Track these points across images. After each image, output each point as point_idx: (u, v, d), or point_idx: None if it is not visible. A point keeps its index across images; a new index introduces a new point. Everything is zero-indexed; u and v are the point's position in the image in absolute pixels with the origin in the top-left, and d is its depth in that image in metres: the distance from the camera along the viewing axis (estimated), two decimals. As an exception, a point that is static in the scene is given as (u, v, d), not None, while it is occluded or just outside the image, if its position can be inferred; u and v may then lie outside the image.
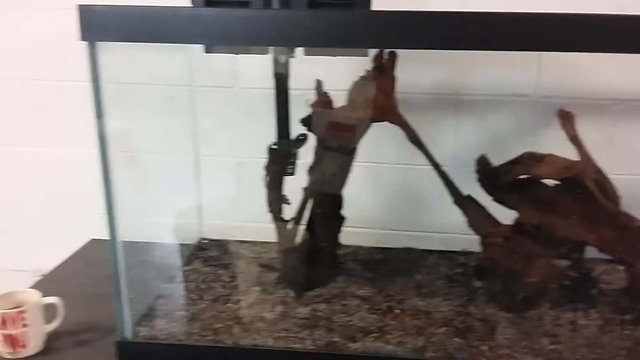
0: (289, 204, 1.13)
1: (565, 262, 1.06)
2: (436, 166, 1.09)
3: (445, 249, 1.33)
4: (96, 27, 0.79)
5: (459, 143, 1.38)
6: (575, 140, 1.06)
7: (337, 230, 1.19)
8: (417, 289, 1.14)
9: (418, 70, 1.34)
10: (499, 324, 1.03)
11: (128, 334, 0.96)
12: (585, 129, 1.35)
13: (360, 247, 1.33)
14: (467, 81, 1.35)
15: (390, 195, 1.43)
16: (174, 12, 0.78)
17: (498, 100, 1.36)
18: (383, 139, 1.33)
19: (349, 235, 1.34)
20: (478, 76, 1.34)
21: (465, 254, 1.29)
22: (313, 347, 0.96)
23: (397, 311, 1.06)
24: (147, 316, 1.03)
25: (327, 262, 1.17)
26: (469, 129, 1.38)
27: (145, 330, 0.98)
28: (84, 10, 0.78)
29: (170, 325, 1.01)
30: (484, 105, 1.36)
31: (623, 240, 1.02)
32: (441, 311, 1.06)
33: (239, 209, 1.40)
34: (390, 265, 1.25)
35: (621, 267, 1.07)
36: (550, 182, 1.06)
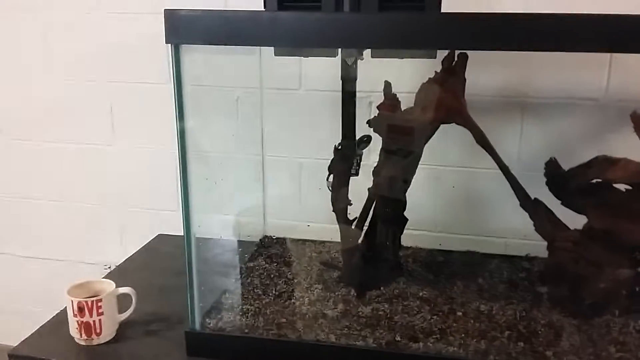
0: (350, 204, 1.15)
1: (634, 269, 1.03)
2: (504, 169, 1.09)
3: (507, 253, 1.32)
4: (180, 30, 0.84)
5: (525, 147, 1.37)
6: (649, 144, 1.03)
7: (399, 231, 1.19)
8: (479, 292, 1.14)
9: (485, 72, 1.34)
10: (564, 330, 1.01)
11: (197, 325, 1.00)
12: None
13: (421, 249, 1.33)
14: (534, 84, 1.33)
15: (453, 198, 1.43)
16: (252, 15, 0.82)
17: (566, 103, 1.33)
18: (446, 141, 1.33)
19: (410, 237, 1.35)
20: (546, 79, 1.32)
21: (529, 259, 1.28)
22: (374, 345, 0.97)
23: (459, 314, 1.06)
24: (215, 309, 1.07)
25: (389, 263, 1.17)
26: (535, 133, 1.36)
27: (213, 322, 1.02)
28: (169, 15, 0.83)
29: (236, 319, 1.04)
30: (552, 109, 1.34)
31: (698, 247, 0.98)
32: (504, 315, 1.05)
33: (301, 208, 1.44)
34: (452, 268, 1.25)
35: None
36: (621, 186, 1.04)
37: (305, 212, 1.43)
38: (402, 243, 1.23)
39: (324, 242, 1.36)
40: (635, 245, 1.01)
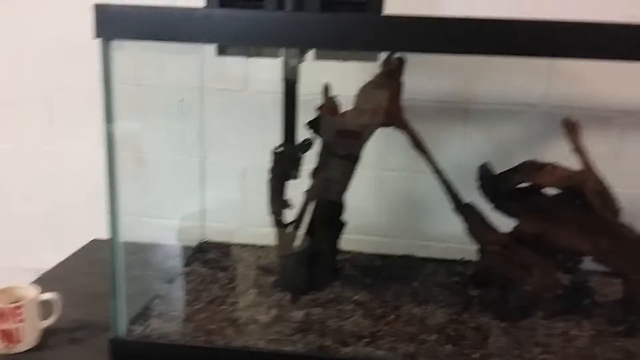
0: (291, 208, 1.14)
1: (561, 272, 1.05)
2: (439, 173, 1.10)
3: (445, 257, 1.34)
4: (111, 25, 0.82)
5: (467, 151, 1.39)
6: (579, 150, 1.06)
7: (337, 235, 1.19)
8: (412, 296, 1.14)
9: (427, 77, 1.35)
10: (492, 333, 1.02)
11: (122, 332, 0.98)
12: (592, 140, 1.36)
13: (360, 253, 1.34)
14: (476, 90, 1.36)
15: (393, 203, 1.44)
16: (188, 12, 0.80)
17: (507, 109, 1.36)
18: (387, 145, 1.34)
19: (349, 242, 1.35)
20: (487, 85, 1.35)
21: (464, 262, 1.29)
22: (304, 350, 0.96)
23: (391, 317, 1.06)
24: (143, 315, 1.04)
25: (325, 267, 1.17)
26: (478, 138, 1.39)
27: (139, 329, 1.00)
28: (99, 9, 0.81)
29: (165, 325, 1.02)
30: (493, 114, 1.37)
31: (619, 251, 1.01)
32: (435, 318, 1.06)
33: (242, 212, 1.42)
34: (389, 272, 1.25)
35: (617, 279, 1.06)
36: (551, 191, 1.06)
37: (247, 216, 1.42)
38: (341, 247, 1.23)
39: (264, 246, 1.34)
40: (563, 249, 1.04)
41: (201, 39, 0.86)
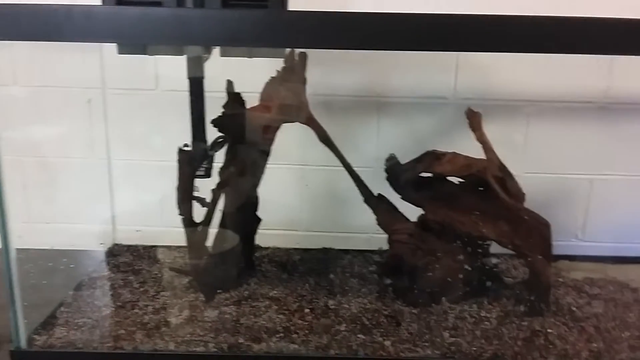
0: (204, 206, 1.12)
1: (468, 257, 1.08)
2: (347, 166, 1.11)
3: (363, 248, 1.35)
4: None
5: (382, 144, 1.41)
6: (481, 138, 1.09)
7: (253, 232, 1.19)
8: (329, 289, 1.15)
9: (340, 72, 1.36)
10: (404, 320, 1.04)
11: (23, 343, 0.93)
12: (502, 129, 1.41)
13: (279, 248, 1.33)
14: (388, 84, 1.38)
15: (312, 197, 1.44)
16: (84, 10, 0.76)
17: (419, 102, 1.39)
18: (307, 140, 1.34)
19: (269, 237, 1.35)
20: (399, 79, 1.37)
21: (381, 252, 1.31)
22: (215, 349, 0.95)
23: (307, 311, 1.06)
24: (47, 324, 1.00)
25: (240, 265, 1.16)
26: (391, 131, 1.41)
27: (42, 339, 0.96)
28: None
29: (70, 334, 0.98)
30: (406, 108, 1.39)
31: (521, 234, 1.05)
32: (350, 309, 1.07)
33: (157, 213, 1.38)
34: (307, 265, 1.26)
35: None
36: (456, 179, 1.09)
37: (162, 217, 1.38)
38: (258, 243, 1.23)
39: (180, 247, 1.31)
40: (468, 235, 1.07)
41: (100, 39, 0.83)
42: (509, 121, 1.41)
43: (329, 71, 1.38)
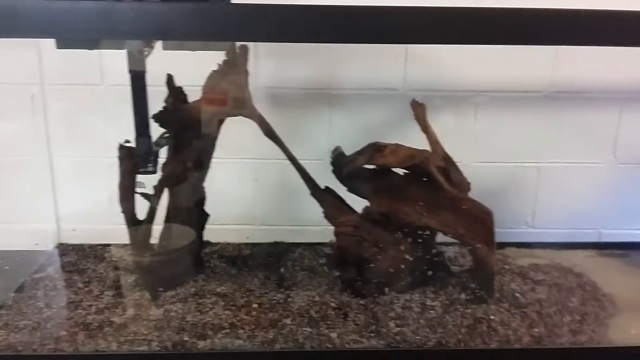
0: (151, 203, 1.11)
1: (414, 247, 1.09)
2: (292, 160, 1.10)
3: (317, 240, 1.35)
4: None
5: (334, 137, 1.41)
6: (426, 129, 1.10)
7: (200, 227, 1.17)
8: (278, 282, 1.15)
9: (291, 65, 1.36)
10: (351, 311, 1.05)
11: (-43, 348, 0.91)
12: (451, 119, 1.42)
13: (229, 244, 1.32)
14: (339, 76, 1.38)
15: (265, 191, 1.43)
16: (21, 4, 0.74)
17: (370, 94, 1.39)
18: (257, 134, 1.33)
19: (220, 233, 1.34)
20: (350, 71, 1.37)
21: (331, 244, 1.31)
22: (159, 348, 0.94)
23: (255, 305, 1.06)
24: (-15, 329, 0.97)
25: (187, 261, 1.15)
26: (344, 123, 1.41)
27: (-21, 344, 0.93)
28: None
29: (10, 337, 0.95)
30: (357, 99, 1.39)
31: (464, 223, 1.06)
32: (298, 302, 1.07)
33: (104, 210, 1.36)
34: (257, 260, 1.25)
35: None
36: (401, 171, 1.10)
37: (111, 214, 1.36)
38: (208, 239, 1.22)
39: (127, 245, 1.29)
40: (412, 226, 1.07)
41: (37, 34, 0.81)
42: (458, 111, 1.43)
43: (280, 64, 1.38)
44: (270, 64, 1.38)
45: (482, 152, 1.45)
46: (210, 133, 1.07)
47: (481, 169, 1.46)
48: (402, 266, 1.08)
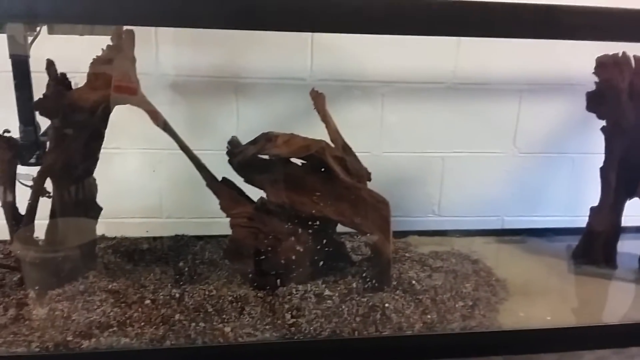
0: (47, 196, 1.05)
1: (313, 238, 1.09)
2: (186, 150, 1.07)
3: (223, 233, 1.32)
4: None
5: (242, 127, 1.38)
6: (325, 119, 1.09)
7: (91, 221, 1.12)
8: (176, 277, 1.11)
9: (195, 51, 1.32)
10: (248, 304, 1.03)
11: None
12: (359, 109, 1.43)
13: (126, 238, 1.27)
14: (246, 64, 1.35)
15: (169, 182, 1.39)
16: None
17: (278, 83, 1.37)
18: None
19: (119, 226, 1.29)
20: (257, 59, 1.35)
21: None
22: (38, 349, 0.89)
23: (147, 302, 1.02)
24: None
25: (76, 257, 1.09)
26: (252, 113, 1.39)
27: None
28: None
29: None
30: (265, 89, 1.37)
31: (360, 212, 1.07)
32: (194, 297, 1.04)
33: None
34: (156, 254, 1.21)
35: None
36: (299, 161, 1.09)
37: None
38: (104, 233, 1.17)
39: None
40: (309, 216, 1.07)
41: None
42: (365, 101, 1.44)
43: (184, 50, 1.33)
44: (172, 51, 1.33)
45: (389, 142, 1.47)
46: (95, 122, 1.02)
47: (389, 158, 1.48)
48: (301, 257, 1.07)
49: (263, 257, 1.05)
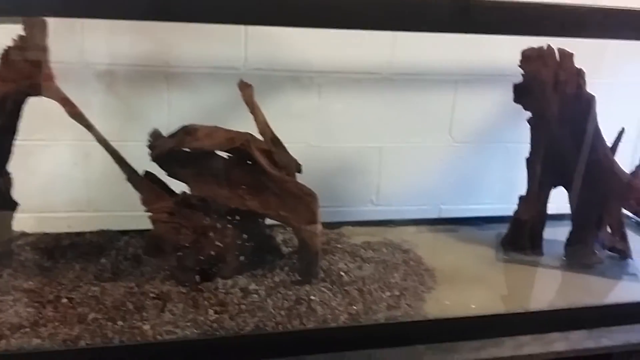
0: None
1: (240, 231, 1.07)
2: (103, 143, 1.03)
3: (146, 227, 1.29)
4: None
5: (174, 117, 1.34)
6: (253, 110, 1.07)
7: (5, 217, 1.07)
8: (97, 274, 1.08)
9: (122, 40, 1.27)
10: (171, 301, 1.00)
11: None
12: (296, 100, 1.41)
13: (47, 234, 1.22)
14: (177, 53, 1.31)
15: (96, 175, 1.34)
16: None
17: (211, 73, 1.34)
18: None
19: (42, 222, 1.24)
20: (187, 48, 1.31)
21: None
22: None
23: (64, 300, 0.98)
24: None
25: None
26: (184, 103, 1.35)
27: None
28: None
29: None
30: (198, 78, 1.34)
31: (287, 205, 1.05)
32: (114, 294, 1.01)
33: None
34: (78, 250, 1.17)
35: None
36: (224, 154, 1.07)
37: None
38: (23, 230, 1.12)
39: None
40: (234, 210, 1.05)
41: None
42: (302, 92, 1.42)
43: (110, 39, 1.28)
44: (98, 39, 1.28)
45: (327, 133, 1.46)
46: (7, 114, 0.97)
47: (327, 149, 1.47)
48: (226, 251, 1.06)
49: (186, 252, 1.03)
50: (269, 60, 1.37)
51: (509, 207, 1.35)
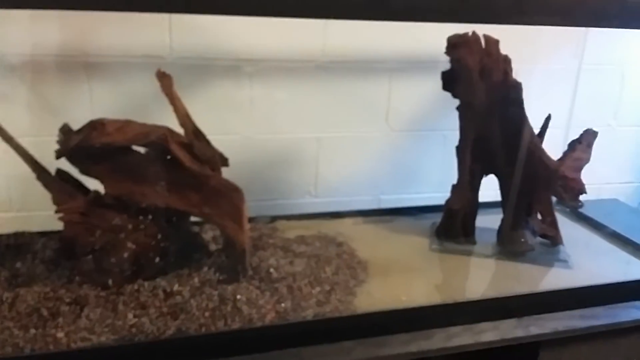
0: None
1: (160, 230, 1.03)
2: (9, 141, 0.97)
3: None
4: None
5: (97, 109, 1.28)
6: (173, 102, 1.03)
7: None
8: (8, 279, 1.01)
9: (34, 28, 1.20)
10: (88, 305, 0.95)
11: None
12: (228, 90, 1.36)
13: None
14: (95, 41, 1.24)
15: (18, 173, 1.27)
16: None
17: (134, 62, 1.28)
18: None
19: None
20: (107, 36, 1.25)
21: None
22: None
23: (-32, 310, 0.92)
24: None
25: None
26: (108, 95, 1.29)
27: None
28: None
29: None
30: (121, 68, 1.28)
31: (210, 201, 1.02)
32: (27, 300, 0.95)
33: None
34: (-9, 254, 1.10)
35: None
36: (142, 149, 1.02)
37: None
38: None
39: None
40: (153, 208, 1.00)
41: None
42: (233, 82, 1.38)
43: (19, 27, 1.21)
44: (9, 28, 1.20)
45: (261, 124, 1.42)
46: None
47: (261, 141, 1.43)
48: (146, 251, 1.01)
49: (102, 254, 0.98)
50: (196, 48, 1.32)
51: (446, 196, 1.35)
